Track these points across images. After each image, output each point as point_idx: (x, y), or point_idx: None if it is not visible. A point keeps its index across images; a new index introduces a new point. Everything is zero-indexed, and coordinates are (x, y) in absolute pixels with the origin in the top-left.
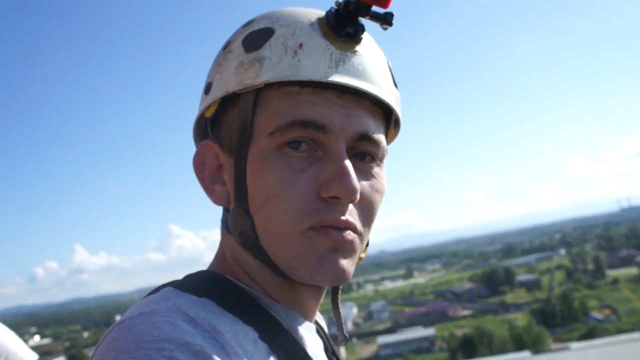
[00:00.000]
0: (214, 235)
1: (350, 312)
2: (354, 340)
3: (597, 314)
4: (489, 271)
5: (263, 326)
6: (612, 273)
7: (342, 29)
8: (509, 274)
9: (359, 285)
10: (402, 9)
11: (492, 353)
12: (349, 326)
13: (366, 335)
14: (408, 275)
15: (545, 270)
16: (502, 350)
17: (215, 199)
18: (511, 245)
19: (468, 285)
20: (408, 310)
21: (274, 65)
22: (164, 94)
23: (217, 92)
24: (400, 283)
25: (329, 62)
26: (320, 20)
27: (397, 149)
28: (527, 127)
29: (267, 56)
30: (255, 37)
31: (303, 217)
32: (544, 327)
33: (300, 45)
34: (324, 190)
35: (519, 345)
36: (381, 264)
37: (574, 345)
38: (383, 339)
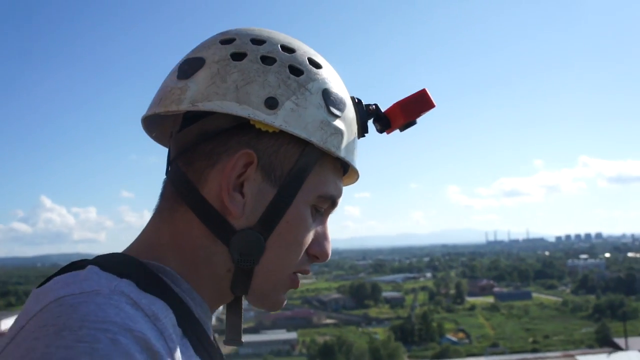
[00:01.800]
0: (87, 214)
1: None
2: (216, 335)
3: (451, 336)
4: (357, 284)
5: (180, 312)
6: (471, 300)
7: (365, 130)
8: (375, 289)
9: None
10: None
11: None
12: (213, 321)
13: None
14: None
15: (410, 290)
16: None
17: (232, 206)
18: (382, 262)
19: (335, 295)
20: (273, 312)
21: (346, 143)
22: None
23: (295, 129)
24: None
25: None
26: (357, 108)
27: None
28: (412, 152)
29: (343, 131)
30: (338, 102)
31: (298, 264)
32: (402, 343)
33: (354, 127)
34: (311, 248)
35: (375, 358)
36: None
37: None
38: (245, 338)
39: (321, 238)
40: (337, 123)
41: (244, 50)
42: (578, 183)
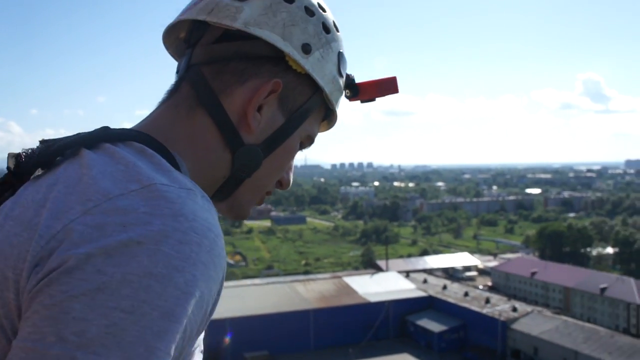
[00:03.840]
0: None
1: None
2: None
3: (229, 259)
4: None
5: None
6: (248, 223)
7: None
8: None
9: None
10: None
11: None
12: None
13: None
14: None
15: None
16: None
17: (253, 121)
18: None
19: None
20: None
21: (340, 99)
22: None
23: (317, 75)
24: None
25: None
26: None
27: (60, 64)
28: None
29: (342, 90)
30: (345, 65)
31: (273, 184)
32: None
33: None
34: (282, 176)
35: None
36: None
37: None
38: None
39: (289, 169)
40: (341, 82)
41: None
42: (355, 113)
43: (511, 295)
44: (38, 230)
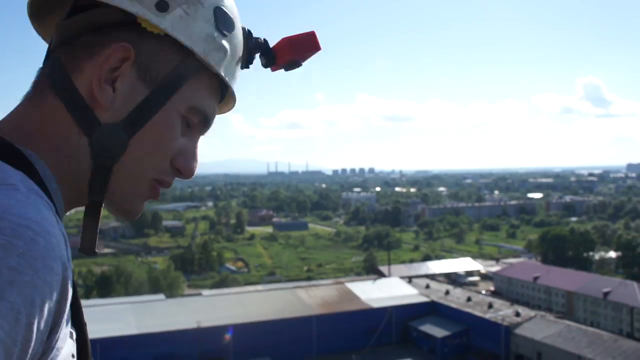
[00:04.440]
0: None
1: None
2: None
3: (231, 265)
4: None
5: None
6: (250, 229)
7: (250, 62)
8: (156, 218)
9: None
10: None
11: (128, 293)
12: None
13: None
14: None
15: (191, 219)
16: (139, 292)
17: (101, 97)
18: (162, 190)
19: (114, 223)
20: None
21: (229, 63)
22: None
23: (180, 35)
24: None
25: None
26: (246, 39)
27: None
28: None
29: (227, 50)
30: (228, 21)
31: (160, 172)
32: (182, 272)
33: (239, 53)
34: (177, 161)
35: (155, 288)
36: None
37: (206, 292)
38: None
39: (189, 154)
40: (224, 41)
41: None
42: (355, 119)
43: (514, 300)
44: None
